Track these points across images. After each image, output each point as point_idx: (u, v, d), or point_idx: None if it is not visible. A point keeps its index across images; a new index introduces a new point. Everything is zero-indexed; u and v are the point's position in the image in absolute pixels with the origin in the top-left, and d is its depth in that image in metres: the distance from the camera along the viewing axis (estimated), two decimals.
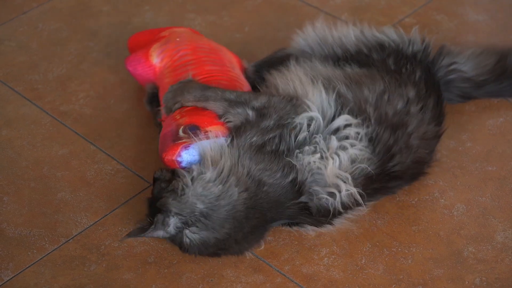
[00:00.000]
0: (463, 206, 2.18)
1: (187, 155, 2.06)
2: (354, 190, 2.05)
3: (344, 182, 2.04)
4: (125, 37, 2.72)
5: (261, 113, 2.10)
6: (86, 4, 2.88)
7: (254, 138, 2.07)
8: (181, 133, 2.08)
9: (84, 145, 2.37)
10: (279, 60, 2.40)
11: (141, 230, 2.02)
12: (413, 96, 2.19)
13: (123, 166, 2.31)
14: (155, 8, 2.85)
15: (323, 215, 2.07)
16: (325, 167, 2.04)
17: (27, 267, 2.07)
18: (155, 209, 2.03)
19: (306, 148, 2.05)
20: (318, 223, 2.09)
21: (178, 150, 2.06)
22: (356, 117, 2.10)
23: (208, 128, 2.09)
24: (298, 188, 2.04)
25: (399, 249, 2.08)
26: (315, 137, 2.07)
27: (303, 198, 2.04)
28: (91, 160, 2.33)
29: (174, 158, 2.06)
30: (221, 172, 2.02)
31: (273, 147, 2.06)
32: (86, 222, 2.17)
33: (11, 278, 2.05)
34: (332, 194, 2.04)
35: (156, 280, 2.04)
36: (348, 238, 2.11)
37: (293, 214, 2.06)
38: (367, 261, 2.06)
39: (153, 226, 2.00)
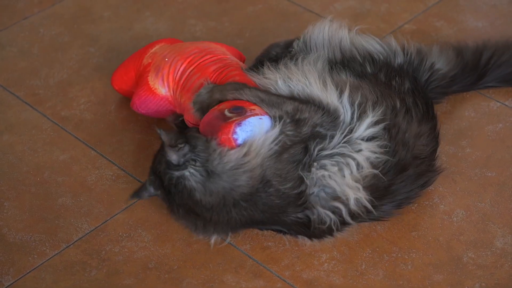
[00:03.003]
0: (462, 212, 2.18)
1: (241, 132, 2.05)
2: (362, 196, 2.06)
3: (354, 190, 2.06)
4: (126, 42, 2.73)
5: (294, 119, 2.10)
6: (88, 10, 2.89)
7: (285, 141, 2.07)
8: (227, 113, 2.10)
9: (85, 151, 2.38)
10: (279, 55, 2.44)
11: (172, 142, 2.04)
12: (398, 105, 2.20)
13: (123, 171, 2.32)
14: (156, 14, 2.86)
15: (322, 230, 2.08)
16: (341, 178, 2.05)
17: (27, 272, 2.08)
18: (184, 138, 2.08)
19: (326, 162, 2.05)
20: (315, 235, 2.10)
21: (232, 128, 2.06)
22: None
23: (252, 107, 2.11)
24: (303, 201, 2.05)
25: (399, 255, 2.09)
26: (340, 148, 2.07)
27: (304, 212, 2.06)
28: (91, 166, 2.34)
29: (230, 136, 2.05)
30: (246, 156, 2.05)
31: (296, 156, 2.06)
32: (87, 227, 2.18)
33: (12, 283, 2.06)
34: (335, 211, 2.06)
35: (156, 285, 2.05)
36: (348, 243, 2.12)
37: (288, 223, 2.08)
38: (367, 266, 2.07)
39: (176, 148, 2.04)
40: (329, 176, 2.04)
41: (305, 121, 2.09)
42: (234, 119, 2.08)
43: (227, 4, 2.88)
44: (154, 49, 2.39)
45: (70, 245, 2.14)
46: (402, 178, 2.14)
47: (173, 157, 2.05)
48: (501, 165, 2.30)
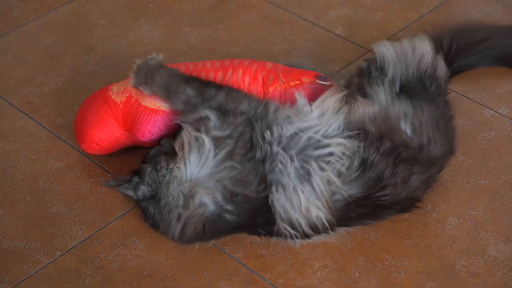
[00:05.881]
0: (455, 220, 2.19)
1: None
2: (322, 215, 2.07)
3: (316, 209, 2.06)
4: (121, 50, 2.74)
5: (223, 110, 2.13)
6: (83, 18, 2.90)
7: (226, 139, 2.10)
8: (321, 81, 2.24)
9: (80, 158, 2.39)
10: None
11: (118, 184, 2.17)
12: (435, 136, 2.11)
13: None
14: (151, 22, 2.87)
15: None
16: (297, 200, 2.06)
17: (22, 280, 2.08)
18: (137, 171, 2.18)
19: (278, 176, 2.07)
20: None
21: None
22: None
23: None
24: (270, 206, 2.07)
25: (392, 263, 2.10)
26: (291, 157, 2.08)
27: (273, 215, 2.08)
28: (86, 174, 2.34)
29: None
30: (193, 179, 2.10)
31: (249, 154, 2.08)
32: (81, 235, 2.18)
33: None
34: (294, 226, 2.08)
35: None
36: (341, 251, 2.12)
37: (262, 224, 2.11)
38: (360, 274, 2.08)
39: (126, 185, 2.14)
40: (286, 196, 2.06)
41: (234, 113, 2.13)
42: (331, 85, 2.25)
43: (221, 12, 2.89)
44: (116, 88, 2.30)
45: (64, 253, 2.14)
46: (384, 212, 2.14)
47: (130, 193, 2.16)
48: (494, 173, 2.30)
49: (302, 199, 2.05)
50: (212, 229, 2.09)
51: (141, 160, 2.22)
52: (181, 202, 2.08)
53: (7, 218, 2.23)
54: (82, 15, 2.91)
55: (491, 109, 2.49)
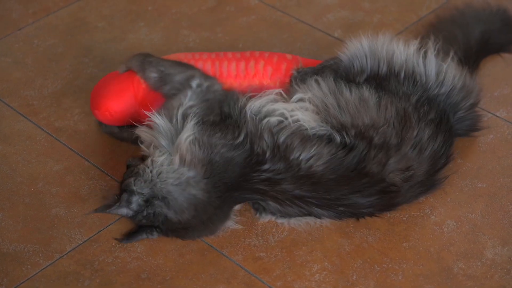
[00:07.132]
0: (453, 223, 2.20)
1: None
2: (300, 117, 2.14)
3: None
4: (120, 53, 2.74)
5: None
6: (82, 20, 2.90)
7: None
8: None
9: (79, 161, 2.39)
10: (327, 70, 2.37)
11: (107, 207, 2.13)
12: (412, 137, 2.16)
13: (117, 182, 2.33)
14: (150, 24, 2.87)
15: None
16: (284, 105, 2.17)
17: (21, 283, 2.09)
18: (122, 190, 2.15)
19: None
20: (278, 199, 2.13)
21: None
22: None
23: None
24: (250, 142, 2.11)
25: (390, 265, 2.11)
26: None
27: (255, 149, 2.10)
28: (85, 176, 2.35)
29: None
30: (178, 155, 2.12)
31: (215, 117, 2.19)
32: (80, 238, 2.19)
33: None
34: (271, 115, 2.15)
35: None
36: (339, 254, 2.13)
37: (252, 179, 2.12)
38: (358, 277, 2.08)
39: (118, 204, 2.11)
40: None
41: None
42: None
43: (220, 15, 2.90)
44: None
45: (63, 256, 2.15)
46: (364, 184, 2.12)
47: (124, 211, 2.13)
48: (492, 176, 2.31)
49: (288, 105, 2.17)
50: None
51: (119, 189, 2.19)
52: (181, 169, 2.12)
53: (6, 220, 2.24)
54: (81, 18, 2.91)
55: (489, 112, 2.50)
